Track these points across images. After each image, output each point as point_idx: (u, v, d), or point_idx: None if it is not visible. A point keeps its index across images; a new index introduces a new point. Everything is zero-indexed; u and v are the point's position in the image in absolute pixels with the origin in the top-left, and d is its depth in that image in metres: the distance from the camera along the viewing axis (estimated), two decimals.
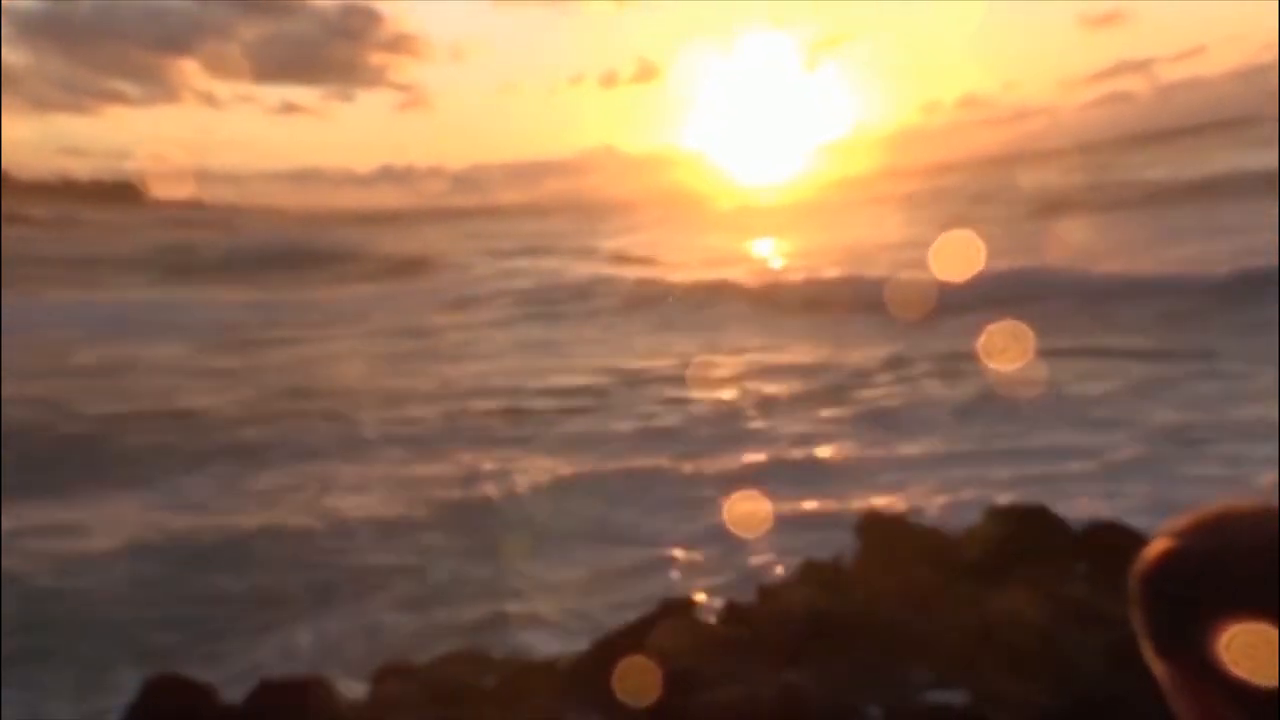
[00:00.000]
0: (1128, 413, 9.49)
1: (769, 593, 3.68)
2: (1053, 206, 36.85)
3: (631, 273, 29.17)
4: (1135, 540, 3.66)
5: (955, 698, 2.84)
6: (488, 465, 9.40)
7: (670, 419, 10.93)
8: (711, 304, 22.31)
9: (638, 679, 2.97)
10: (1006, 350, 12.11)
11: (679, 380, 13.06)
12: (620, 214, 68.22)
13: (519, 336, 21.47)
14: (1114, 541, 3.62)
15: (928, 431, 9.46)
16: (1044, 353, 11.55)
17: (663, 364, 14.42)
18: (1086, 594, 3.28)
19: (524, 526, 7.39)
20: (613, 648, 3.26)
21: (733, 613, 3.53)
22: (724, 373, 13.50)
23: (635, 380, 13.51)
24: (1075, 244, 25.63)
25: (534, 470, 9.13)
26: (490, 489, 8.68)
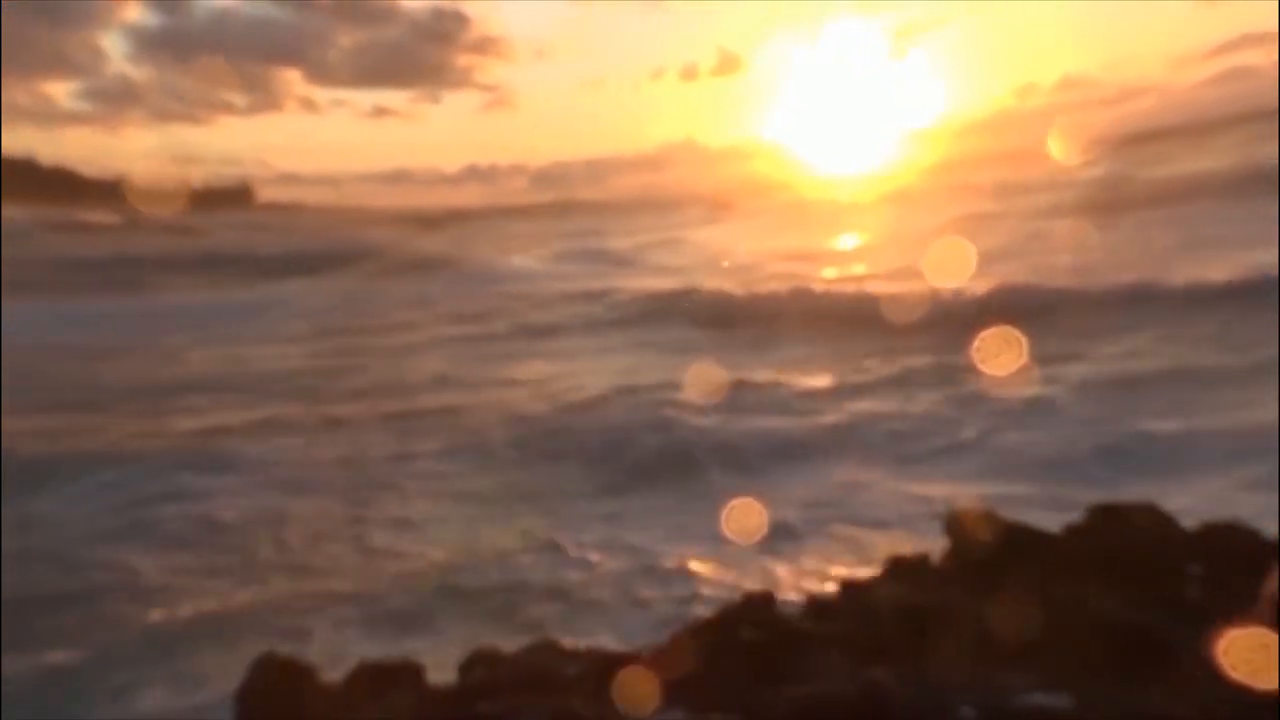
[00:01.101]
0: None
1: (852, 587, 3.60)
2: (1165, 192, 34.41)
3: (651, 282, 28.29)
4: (1256, 542, 3.42)
5: (1058, 701, 2.70)
6: None
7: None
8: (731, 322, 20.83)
9: (719, 672, 2.95)
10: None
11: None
12: (690, 208, 67.74)
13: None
14: (1232, 543, 3.40)
15: None
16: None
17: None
18: (1201, 597, 3.09)
19: None
20: (694, 640, 3.25)
21: (815, 607, 3.47)
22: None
23: None
24: (1196, 237, 23.69)
25: None
26: None
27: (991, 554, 3.60)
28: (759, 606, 3.47)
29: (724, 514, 8.35)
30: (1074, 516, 3.81)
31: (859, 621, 3.40)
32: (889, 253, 32.12)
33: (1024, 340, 13.16)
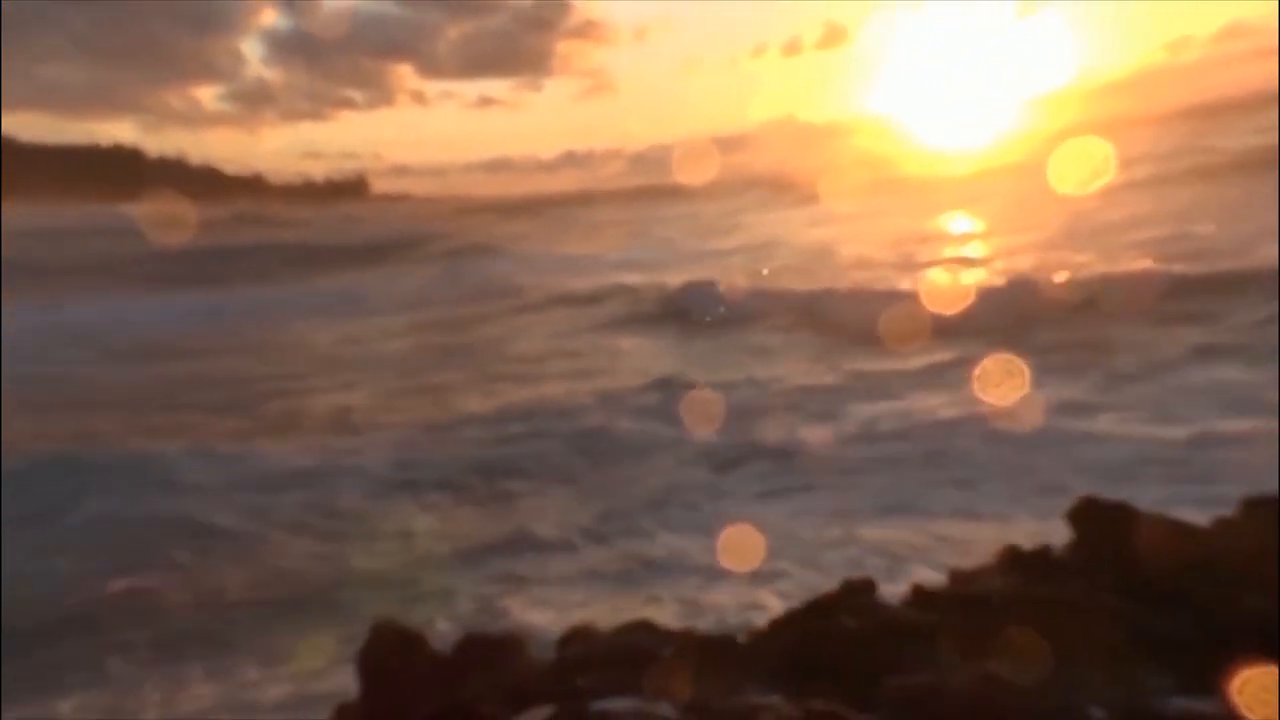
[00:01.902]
0: None
1: (961, 578, 3.45)
2: None
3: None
4: None
5: (1204, 707, 2.50)
6: None
7: None
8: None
9: (817, 659, 2.89)
10: None
11: None
12: (789, 189, 65.30)
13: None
14: None
15: None
16: None
17: None
18: None
19: None
20: (793, 626, 3.19)
21: (920, 596, 3.35)
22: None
23: None
24: None
25: None
26: None
27: (1124, 546, 3.37)
28: (859, 594, 3.38)
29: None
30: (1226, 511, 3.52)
31: (970, 613, 3.26)
32: (1011, 233, 29.82)
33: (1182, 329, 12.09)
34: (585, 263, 35.72)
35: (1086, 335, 14.38)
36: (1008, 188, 43.45)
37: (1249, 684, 2.39)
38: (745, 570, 6.96)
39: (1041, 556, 3.54)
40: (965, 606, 3.17)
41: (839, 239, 33.97)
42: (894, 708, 2.71)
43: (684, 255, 36.09)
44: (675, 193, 73.49)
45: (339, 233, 59.59)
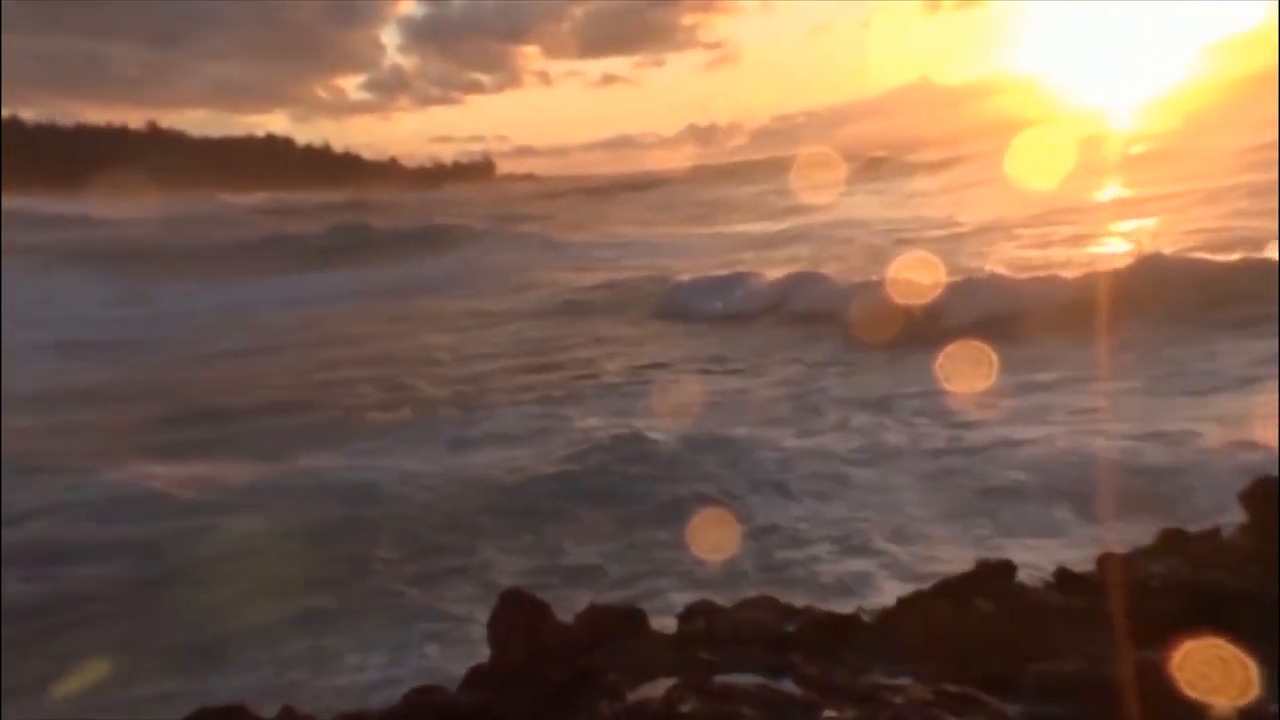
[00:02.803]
0: None
1: (1112, 561, 3.19)
2: None
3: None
4: None
5: None
6: None
7: None
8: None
9: (952, 642, 2.74)
10: None
11: None
12: (922, 156, 61.62)
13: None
14: None
15: None
16: None
17: None
18: None
19: None
20: (923, 607, 3.05)
21: (1066, 579, 3.11)
22: None
23: None
24: None
25: None
26: None
27: None
28: (996, 576, 3.19)
29: None
30: None
31: (1126, 599, 3.01)
32: (1180, 199, 25.88)
33: None
34: (651, 249, 34.81)
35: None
36: (1180, 146, 38.51)
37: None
38: None
39: (1209, 540, 3.23)
40: (1120, 592, 2.93)
41: (973, 214, 31.44)
42: (1038, 695, 2.55)
43: (797, 234, 34.41)
44: (798, 165, 71.15)
45: (453, 215, 61.66)
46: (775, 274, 21.30)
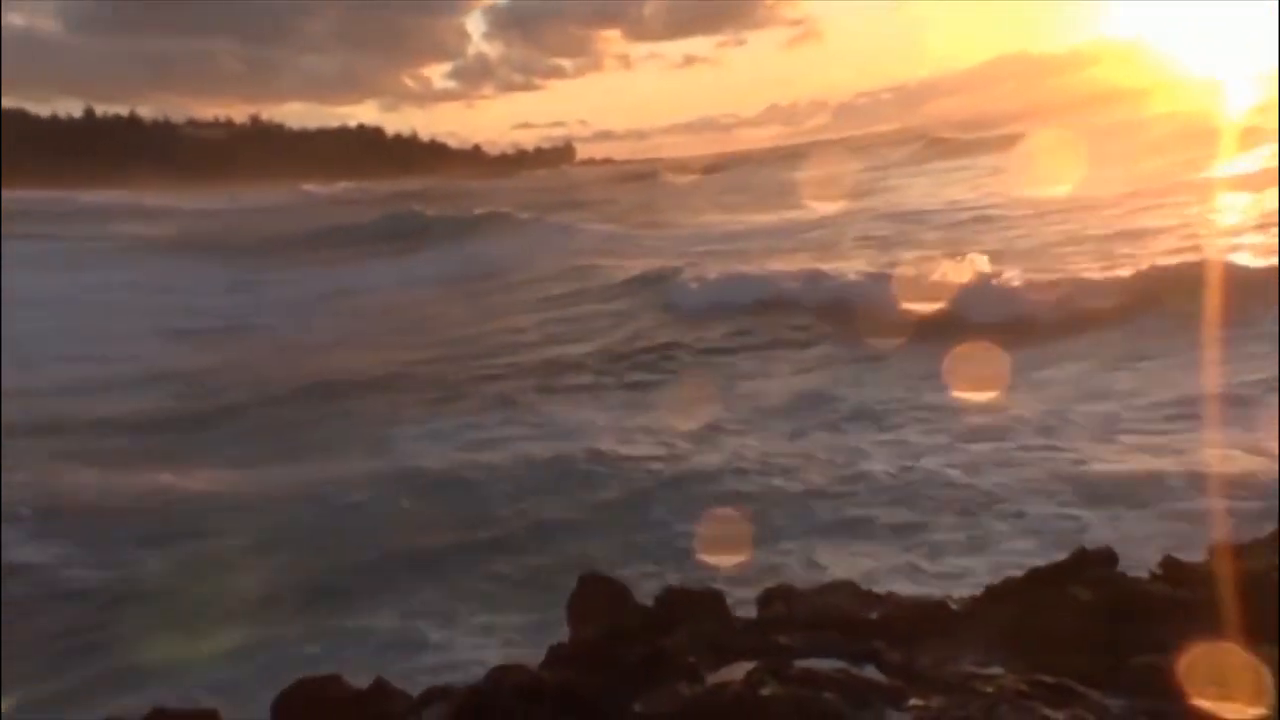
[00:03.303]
0: None
1: (1223, 553, 2.99)
2: None
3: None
4: None
5: None
6: None
7: None
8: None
9: (1048, 632, 2.62)
10: None
11: None
12: (1016, 132, 58.20)
13: None
14: None
15: None
16: None
17: None
18: None
19: None
20: (1016, 595, 2.91)
21: (1173, 570, 2.93)
22: None
23: None
24: None
25: None
26: None
27: None
28: (1096, 564, 3.03)
29: None
30: None
31: (1240, 592, 2.83)
32: None
33: None
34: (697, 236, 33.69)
35: None
36: None
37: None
38: None
39: None
40: (1234, 584, 2.75)
41: (1075, 196, 29.44)
42: (1141, 688, 2.41)
43: (844, 221, 32.64)
44: (871, 144, 69.01)
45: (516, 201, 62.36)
46: (786, 268, 20.53)
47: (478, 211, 45.66)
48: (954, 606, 3.15)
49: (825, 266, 20.00)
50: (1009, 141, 52.03)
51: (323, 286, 30.02)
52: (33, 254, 38.35)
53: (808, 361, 14.37)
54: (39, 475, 10.97)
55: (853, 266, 19.94)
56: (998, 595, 3.11)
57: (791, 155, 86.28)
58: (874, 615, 3.13)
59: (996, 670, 2.51)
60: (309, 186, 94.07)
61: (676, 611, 3.85)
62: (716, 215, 41.51)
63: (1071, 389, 11.06)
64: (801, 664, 2.60)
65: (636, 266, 24.91)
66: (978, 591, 3.22)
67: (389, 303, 26.12)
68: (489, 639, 6.83)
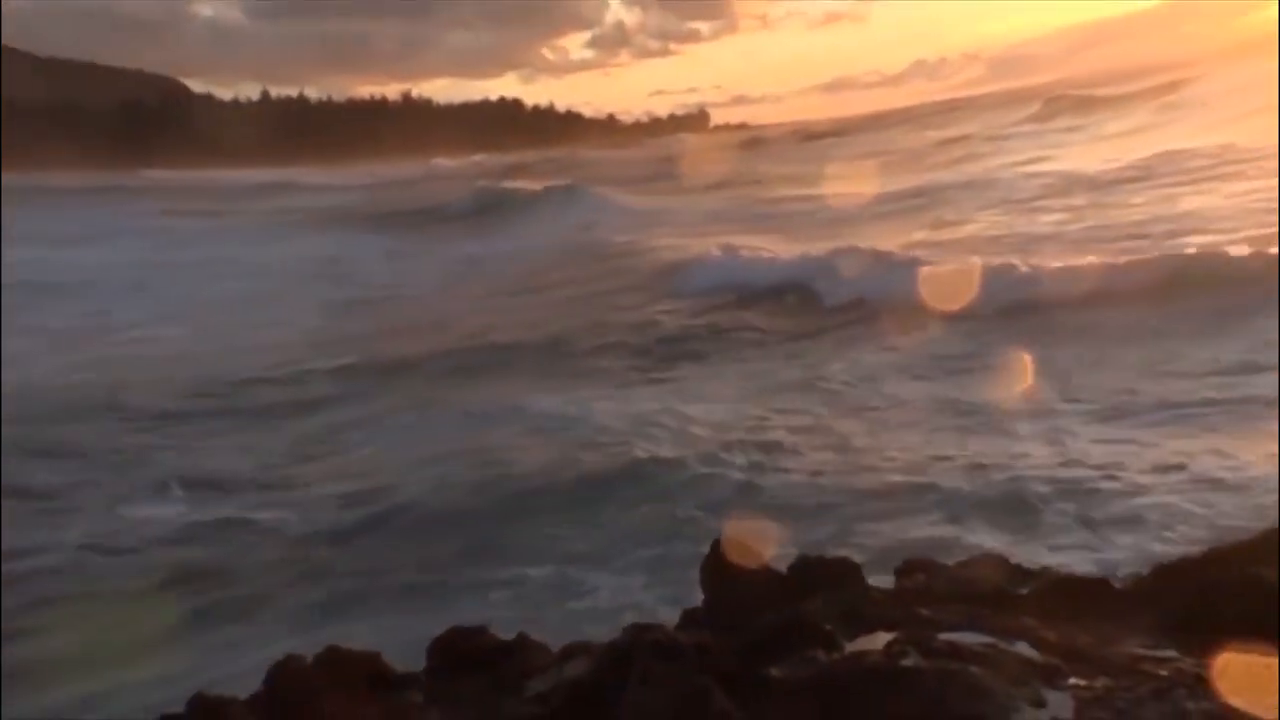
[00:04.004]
0: None
1: None
2: None
3: None
4: None
5: None
6: None
7: None
8: None
9: (1227, 613, 2.38)
10: None
11: None
12: (1184, 83, 51.97)
13: None
14: None
15: None
16: None
17: None
18: None
19: None
20: (1188, 574, 2.66)
21: None
22: None
23: None
24: None
25: None
26: None
27: None
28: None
29: None
30: None
31: None
32: None
33: None
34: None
35: None
36: None
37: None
38: None
39: None
40: None
41: (1200, 142, 26.40)
42: None
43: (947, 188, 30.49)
44: (1044, 97, 63.73)
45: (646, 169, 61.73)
46: (819, 249, 19.48)
47: (548, 185, 45.41)
48: (1118, 585, 2.93)
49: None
50: (1170, 89, 47.76)
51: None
52: (202, 230, 41.86)
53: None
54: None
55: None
56: (1168, 574, 2.87)
57: (937, 112, 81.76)
58: (1025, 591, 2.96)
59: (1170, 653, 2.31)
60: (442, 160, 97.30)
61: (811, 579, 3.78)
62: (807, 187, 39.66)
63: None
64: (946, 637, 2.49)
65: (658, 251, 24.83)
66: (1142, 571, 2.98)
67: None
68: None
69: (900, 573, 3.59)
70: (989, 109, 72.11)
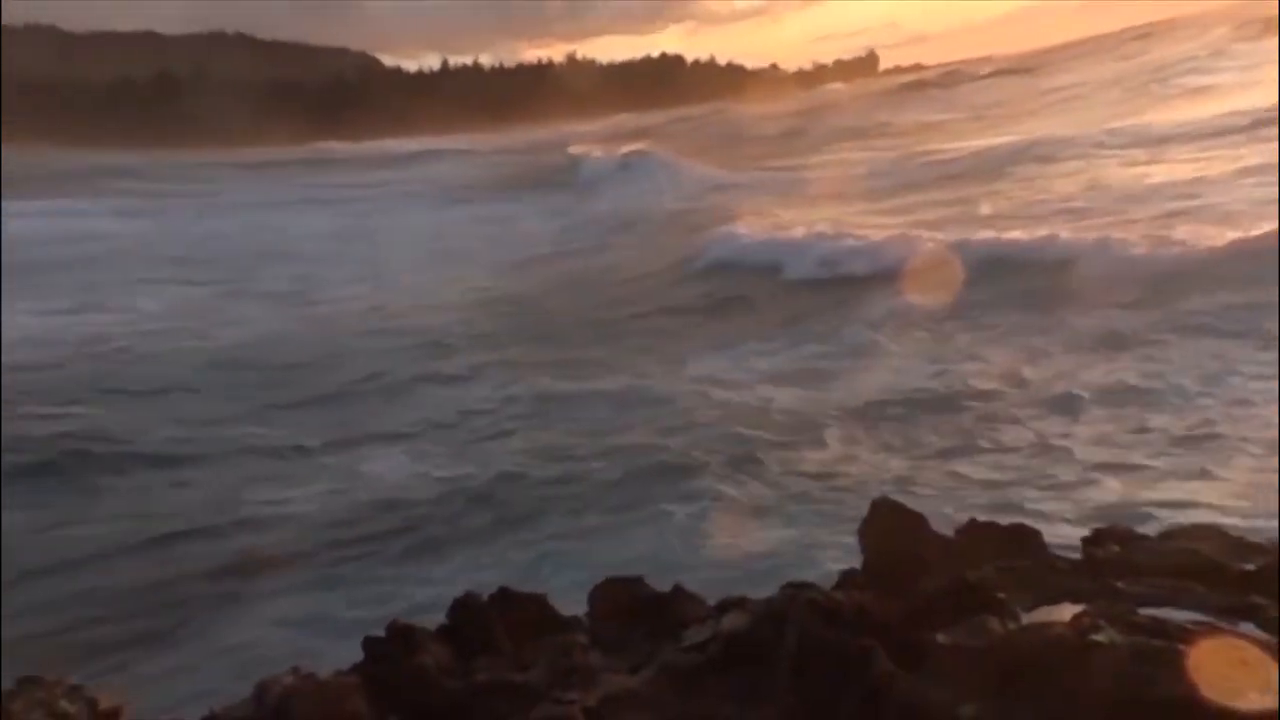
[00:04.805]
0: None
1: None
2: None
3: None
4: None
5: None
6: None
7: None
8: None
9: None
10: None
11: None
12: None
13: None
14: None
15: None
16: None
17: None
18: None
19: None
20: None
21: None
22: None
23: None
24: None
25: None
26: None
27: None
28: None
29: None
30: None
31: None
32: None
33: None
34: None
35: None
36: None
37: None
38: None
39: None
40: None
41: None
42: None
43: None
44: (1237, 20, 55.61)
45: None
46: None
47: (625, 151, 44.17)
48: None
49: None
50: None
51: None
52: (389, 196, 44.45)
53: None
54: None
55: None
56: None
57: (1143, 36, 72.88)
58: (1252, 566, 2.61)
59: None
60: (577, 125, 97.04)
61: (981, 545, 3.58)
62: (954, 139, 36.58)
63: None
64: (1148, 612, 2.23)
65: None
66: None
67: None
68: None
69: (1089, 542, 3.29)
70: (1184, 30, 64.12)
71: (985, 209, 20.58)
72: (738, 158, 42.05)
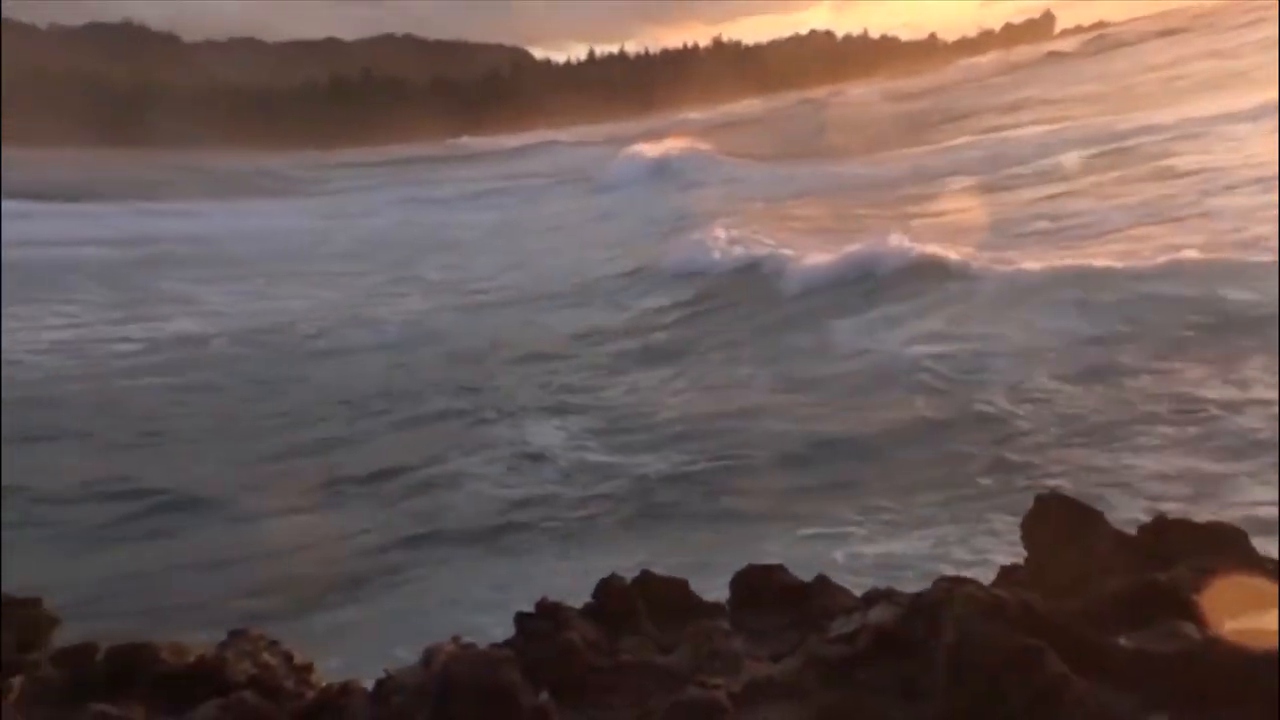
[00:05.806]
0: None
1: None
2: None
3: None
4: None
5: None
6: None
7: None
8: None
9: None
10: None
11: None
12: None
13: None
14: None
15: None
16: None
17: None
18: None
19: None
20: None
21: None
22: None
23: None
24: None
25: None
26: None
27: None
28: None
29: None
30: None
31: None
32: None
33: None
34: None
35: None
36: None
37: None
38: None
39: None
40: None
41: None
42: None
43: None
44: None
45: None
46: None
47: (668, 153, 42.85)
48: None
49: None
50: None
51: None
52: (536, 188, 46.10)
53: None
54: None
55: None
56: None
57: None
58: None
59: None
60: (692, 114, 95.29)
61: (1170, 544, 3.25)
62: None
63: None
64: None
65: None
66: None
67: None
68: None
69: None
70: None
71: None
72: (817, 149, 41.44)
